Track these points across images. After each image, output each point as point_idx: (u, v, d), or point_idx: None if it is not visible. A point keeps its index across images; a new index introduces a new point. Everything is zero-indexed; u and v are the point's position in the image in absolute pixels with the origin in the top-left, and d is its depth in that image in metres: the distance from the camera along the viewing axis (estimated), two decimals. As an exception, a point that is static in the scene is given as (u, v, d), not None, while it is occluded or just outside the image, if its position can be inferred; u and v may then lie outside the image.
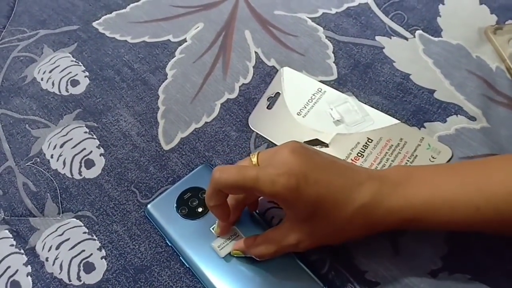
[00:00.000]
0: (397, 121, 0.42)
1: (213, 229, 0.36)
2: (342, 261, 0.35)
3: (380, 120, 0.42)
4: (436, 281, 0.34)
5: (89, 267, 0.36)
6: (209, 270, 0.34)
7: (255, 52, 0.48)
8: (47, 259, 0.37)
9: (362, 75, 0.45)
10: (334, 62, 0.46)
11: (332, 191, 0.30)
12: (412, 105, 0.42)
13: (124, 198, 0.40)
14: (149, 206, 0.38)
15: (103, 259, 0.37)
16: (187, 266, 0.35)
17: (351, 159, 0.40)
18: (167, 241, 0.37)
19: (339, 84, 0.45)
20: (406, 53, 0.46)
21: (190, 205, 0.37)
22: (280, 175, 0.29)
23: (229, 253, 0.34)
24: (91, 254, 0.37)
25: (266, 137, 0.42)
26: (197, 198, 0.37)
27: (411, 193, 0.31)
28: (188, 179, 0.39)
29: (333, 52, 0.47)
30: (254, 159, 0.32)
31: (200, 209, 0.37)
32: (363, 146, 0.41)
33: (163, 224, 0.36)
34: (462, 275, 0.34)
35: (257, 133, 0.42)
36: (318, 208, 0.30)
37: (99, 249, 0.37)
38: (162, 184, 0.40)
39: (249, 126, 0.43)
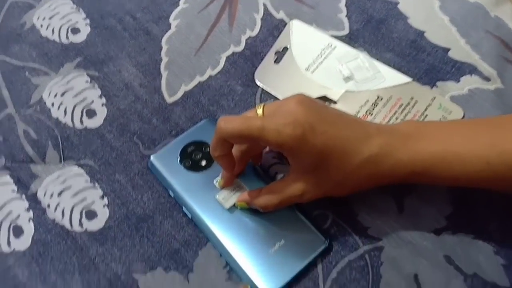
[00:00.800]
0: (409, 79, 0.40)
1: (217, 182, 0.36)
2: (345, 216, 0.35)
3: (392, 78, 0.41)
4: (439, 239, 0.33)
5: (91, 215, 0.36)
6: (212, 221, 0.34)
7: (263, 4, 0.46)
8: (48, 206, 0.37)
9: (375, 31, 0.44)
10: (346, 16, 0.45)
11: (339, 143, 0.30)
12: (426, 63, 0.41)
13: (127, 149, 0.39)
14: (152, 157, 0.37)
15: (105, 207, 0.37)
16: (190, 217, 0.35)
17: (360, 117, 0.39)
18: (169, 193, 0.36)
19: (350, 40, 0.43)
20: (421, 10, 0.44)
21: (193, 158, 0.37)
22: (286, 125, 0.29)
23: (234, 205, 0.34)
24: (93, 202, 0.37)
25: (272, 93, 0.41)
26: (201, 152, 0.37)
27: (422, 146, 0.30)
28: (191, 132, 0.38)
29: (345, 6, 0.45)
30: (260, 111, 0.32)
31: (203, 162, 0.36)
32: (372, 104, 0.40)
33: (166, 175, 0.36)
34: (465, 235, 0.34)
35: (263, 89, 0.41)
36: (324, 159, 0.30)
37: (101, 197, 0.37)
38: (165, 136, 0.39)
39: (255, 80, 0.42)
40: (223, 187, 0.35)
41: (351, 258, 0.33)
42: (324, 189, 0.32)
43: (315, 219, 0.34)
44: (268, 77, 0.42)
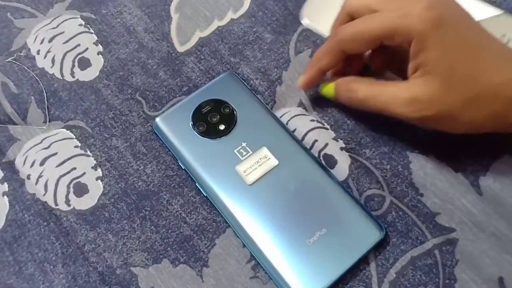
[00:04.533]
0: (499, 11, 0.34)
1: (237, 151, 0.30)
2: (407, 199, 0.29)
3: (477, 10, 0.34)
4: (532, 232, 0.27)
5: (80, 189, 0.32)
6: (233, 201, 0.29)
7: None
8: (28, 177, 0.33)
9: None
10: None
11: (484, 46, 0.26)
12: (513, -3, 0.35)
13: (127, 108, 0.35)
14: (157, 119, 0.33)
15: (99, 180, 0.32)
16: (204, 194, 0.30)
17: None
18: (179, 163, 0.32)
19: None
20: None
21: (209, 121, 0.32)
22: (427, 8, 0.26)
23: (257, 180, 0.29)
24: (84, 173, 0.32)
25: (326, 35, 0.35)
26: (219, 113, 0.32)
27: None
28: (207, 89, 0.34)
29: None
30: None
31: (222, 127, 0.32)
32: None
33: (175, 142, 0.32)
34: None
35: (298, 37, 0.36)
36: (461, 58, 0.25)
37: (94, 167, 0.33)
38: (175, 93, 0.35)
39: (288, 27, 0.36)
40: (305, 85, 0.31)
41: (415, 254, 0.28)
42: (441, 105, 0.26)
43: (367, 201, 0.30)
44: (318, 14, 0.36)
